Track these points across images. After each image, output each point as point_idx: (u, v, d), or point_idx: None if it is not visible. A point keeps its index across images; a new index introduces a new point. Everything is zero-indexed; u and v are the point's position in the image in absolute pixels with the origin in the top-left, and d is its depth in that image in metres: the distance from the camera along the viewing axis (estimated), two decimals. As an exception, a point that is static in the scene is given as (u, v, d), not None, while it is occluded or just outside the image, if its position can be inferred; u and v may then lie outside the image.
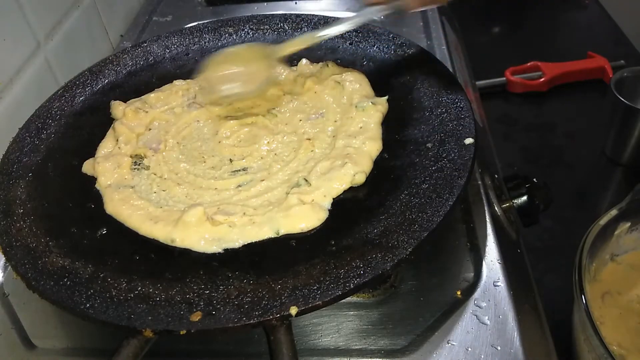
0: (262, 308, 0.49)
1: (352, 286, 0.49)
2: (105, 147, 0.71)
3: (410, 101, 0.72)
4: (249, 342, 0.58)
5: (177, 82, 0.80)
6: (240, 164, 0.67)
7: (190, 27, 0.92)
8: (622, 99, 0.96)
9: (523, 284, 0.65)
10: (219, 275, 0.54)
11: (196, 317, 0.49)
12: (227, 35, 0.90)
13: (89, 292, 0.53)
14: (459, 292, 0.60)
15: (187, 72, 0.84)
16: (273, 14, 0.91)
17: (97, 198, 0.65)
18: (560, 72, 1.21)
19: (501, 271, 0.62)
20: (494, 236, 0.65)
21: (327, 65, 0.78)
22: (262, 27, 0.90)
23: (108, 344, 0.51)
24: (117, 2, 1.15)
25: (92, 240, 0.60)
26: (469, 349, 0.55)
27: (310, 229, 0.58)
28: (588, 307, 0.58)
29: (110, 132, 0.74)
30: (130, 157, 0.69)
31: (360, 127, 0.68)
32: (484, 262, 0.63)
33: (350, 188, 0.61)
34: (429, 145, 0.64)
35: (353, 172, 0.61)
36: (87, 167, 0.69)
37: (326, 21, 0.86)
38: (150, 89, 0.80)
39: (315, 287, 0.50)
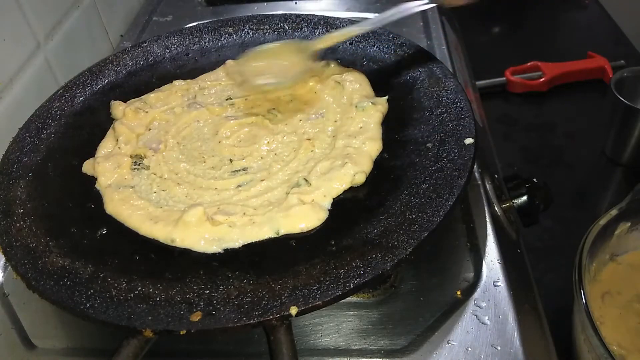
0: (262, 308, 0.49)
1: (352, 286, 0.49)
2: (105, 147, 0.71)
3: (410, 101, 0.72)
4: (249, 342, 0.58)
5: (177, 82, 0.80)
6: (240, 164, 0.67)
7: (190, 27, 0.92)
8: (622, 99, 0.96)
9: (523, 284, 0.65)
10: (219, 275, 0.54)
11: (196, 317, 0.49)
12: (227, 35, 0.90)
13: (89, 292, 0.53)
14: (459, 292, 0.60)
15: (187, 72, 0.84)
16: (273, 14, 0.91)
17: (97, 198, 0.65)
18: (560, 72, 1.21)
19: (501, 271, 0.62)
20: (494, 236, 0.65)
21: (330, 65, 0.78)
22: (262, 27, 0.90)
23: (108, 344, 0.51)
24: (117, 2, 1.15)
25: (92, 240, 0.60)
26: (469, 349, 0.55)
27: (310, 229, 0.58)
28: (588, 307, 0.58)
29: (110, 132, 0.74)
30: (130, 157, 0.69)
31: (360, 127, 0.68)
32: (484, 262, 0.63)
33: (350, 188, 0.61)
34: (429, 145, 0.64)
35: (353, 172, 0.61)
36: (87, 167, 0.69)
37: (326, 21, 0.86)
38: (150, 89, 0.80)
39: (315, 287, 0.50)
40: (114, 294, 0.53)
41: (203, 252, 0.57)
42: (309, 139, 0.68)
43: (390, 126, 0.69)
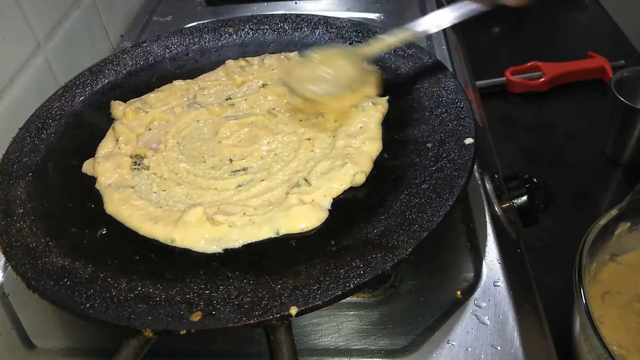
0: (262, 308, 0.49)
1: (352, 286, 0.49)
2: (105, 147, 0.71)
3: (410, 101, 0.72)
4: (249, 342, 0.58)
5: (177, 82, 0.81)
6: (240, 164, 0.67)
7: (190, 27, 0.92)
8: (622, 99, 0.96)
9: (523, 284, 0.65)
10: (219, 275, 0.54)
11: (196, 317, 0.49)
12: (227, 35, 0.90)
13: (89, 292, 0.53)
14: (459, 292, 0.60)
15: (187, 72, 0.84)
16: (273, 14, 0.91)
17: (97, 198, 0.65)
18: (560, 72, 1.21)
19: (501, 271, 0.62)
20: (494, 236, 0.65)
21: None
22: (262, 27, 0.90)
23: (108, 344, 0.51)
24: (117, 2, 1.15)
25: (92, 240, 0.60)
26: (469, 349, 0.55)
27: (310, 229, 0.57)
28: (588, 307, 0.58)
29: (110, 132, 0.74)
30: (130, 157, 0.69)
31: (360, 127, 0.68)
32: (484, 262, 0.63)
33: (350, 188, 0.61)
34: (429, 145, 0.64)
35: (353, 172, 0.61)
36: (87, 167, 0.69)
37: (326, 21, 0.86)
38: (150, 89, 0.80)
39: (315, 287, 0.50)
40: (114, 294, 0.53)
41: (203, 252, 0.57)
42: (309, 139, 0.68)
43: (390, 126, 0.69)
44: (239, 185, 0.64)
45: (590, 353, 0.58)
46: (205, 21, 0.96)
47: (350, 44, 0.83)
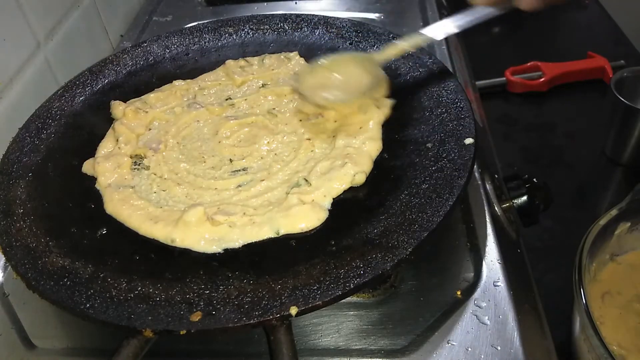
0: (262, 308, 0.49)
1: (352, 286, 0.49)
2: (105, 147, 0.71)
3: (410, 101, 0.72)
4: (249, 342, 0.58)
5: (177, 82, 0.81)
6: (240, 164, 0.67)
7: (190, 27, 0.92)
8: (622, 99, 0.96)
9: (523, 284, 0.65)
10: (219, 275, 0.54)
11: (196, 317, 0.49)
12: (227, 35, 0.90)
13: (89, 292, 0.53)
14: (459, 292, 0.60)
15: (187, 72, 0.84)
16: (273, 14, 0.91)
17: (97, 198, 0.65)
18: (560, 72, 1.21)
19: (501, 271, 0.62)
20: (494, 236, 0.65)
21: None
22: (262, 27, 0.90)
23: (108, 344, 0.51)
24: (117, 2, 1.15)
25: (92, 240, 0.60)
26: (469, 349, 0.55)
27: (310, 229, 0.58)
28: (588, 307, 0.58)
29: (110, 132, 0.74)
30: (130, 157, 0.69)
31: (360, 127, 0.68)
32: (484, 262, 0.63)
33: (350, 188, 0.61)
34: (429, 145, 0.64)
35: (353, 172, 0.61)
36: (87, 167, 0.69)
37: (326, 21, 0.86)
38: (150, 89, 0.80)
39: (315, 287, 0.50)
40: (114, 294, 0.53)
41: (203, 252, 0.57)
42: (309, 139, 0.68)
43: (390, 126, 0.69)
44: (239, 185, 0.64)
45: (590, 353, 0.58)
46: (205, 21, 0.95)
47: (350, 44, 0.83)
